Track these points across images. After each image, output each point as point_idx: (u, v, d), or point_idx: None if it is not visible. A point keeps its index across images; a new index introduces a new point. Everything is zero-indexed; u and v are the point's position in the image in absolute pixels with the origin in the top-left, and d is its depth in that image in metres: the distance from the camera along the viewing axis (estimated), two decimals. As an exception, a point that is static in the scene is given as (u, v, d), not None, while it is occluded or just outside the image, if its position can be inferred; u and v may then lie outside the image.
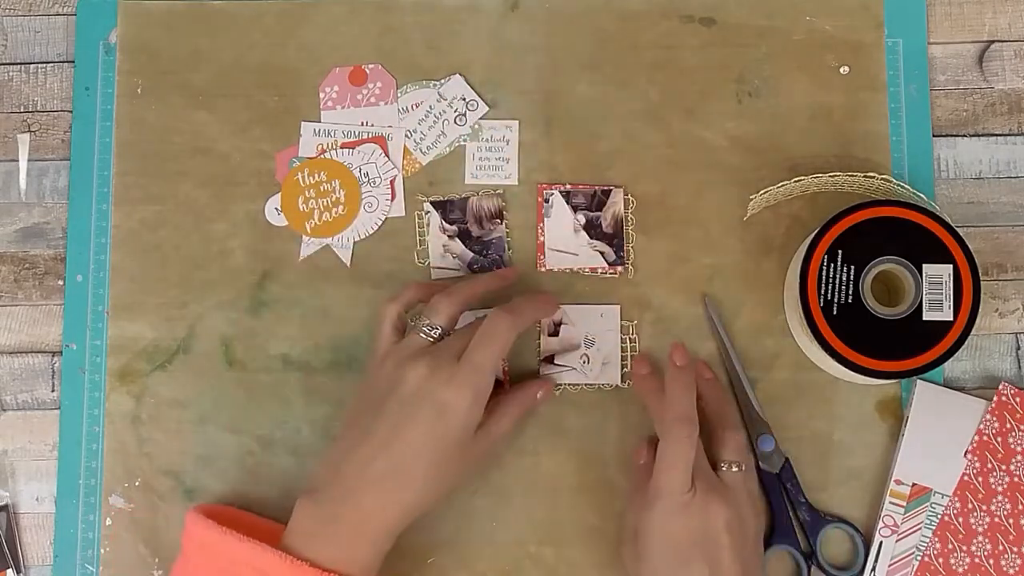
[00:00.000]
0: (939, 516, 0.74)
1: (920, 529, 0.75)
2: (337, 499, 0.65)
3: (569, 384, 0.77)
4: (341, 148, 0.81)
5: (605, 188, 0.79)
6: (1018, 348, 0.79)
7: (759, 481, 0.76)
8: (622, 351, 0.77)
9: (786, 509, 0.76)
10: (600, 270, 0.79)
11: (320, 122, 0.81)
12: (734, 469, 0.71)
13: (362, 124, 0.81)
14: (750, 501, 0.71)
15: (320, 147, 0.81)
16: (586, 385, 0.77)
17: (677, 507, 0.67)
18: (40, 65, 0.83)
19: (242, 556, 0.63)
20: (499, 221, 0.79)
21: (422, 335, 0.69)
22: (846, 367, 0.72)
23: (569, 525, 0.77)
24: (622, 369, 0.77)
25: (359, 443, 0.66)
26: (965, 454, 0.75)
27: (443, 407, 0.66)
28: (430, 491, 0.67)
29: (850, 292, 0.73)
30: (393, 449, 0.66)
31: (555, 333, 0.76)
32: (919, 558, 0.74)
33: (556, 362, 0.77)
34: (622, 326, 0.78)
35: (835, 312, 0.73)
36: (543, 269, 0.79)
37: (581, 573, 0.76)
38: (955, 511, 0.74)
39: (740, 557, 0.67)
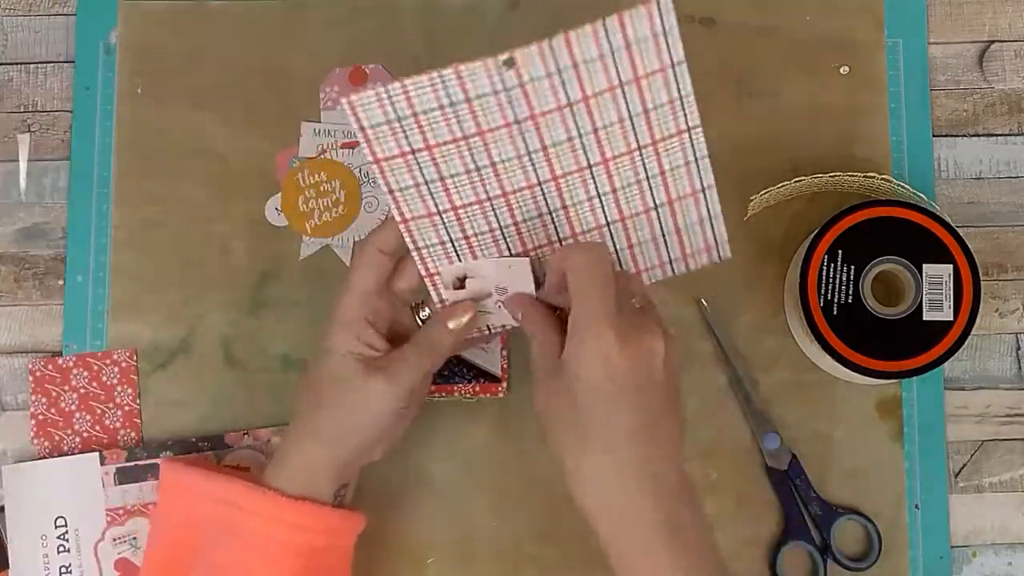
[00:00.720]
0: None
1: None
2: (290, 439, 0.67)
3: (491, 327, 0.69)
4: (341, 148, 0.81)
5: (605, 188, 0.79)
6: (1018, 348, 0.79)
7: (769, 480, 0.77)
8: None
9: (797, 506, 0.76)
10: (600, 270, 0.78)
11: (320, 122, 0.81)
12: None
13: (362, 124, 0.81)
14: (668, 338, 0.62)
15: (320, 147, 0.81)
16: (509, 327, 0.69)
17: (610, 336, 0.58)
18: (40, 65, 0.83)
19: (215, 492, 0.65)
20: (499, 221, 0.79)
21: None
22: (846, 367, 0.72)
23: (569, 525, 0.77)
24: None
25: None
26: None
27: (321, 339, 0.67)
28: (351, 421, 0.66)
29: (850, 292, 0.73)
30: (305, 385, 0.68)
31: (461, 286, 0.67)
32: None
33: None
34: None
35: (835, 312, 0.73)
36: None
37: (581, 573, 0.76)
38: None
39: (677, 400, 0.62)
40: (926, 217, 0.73)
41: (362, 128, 0.61)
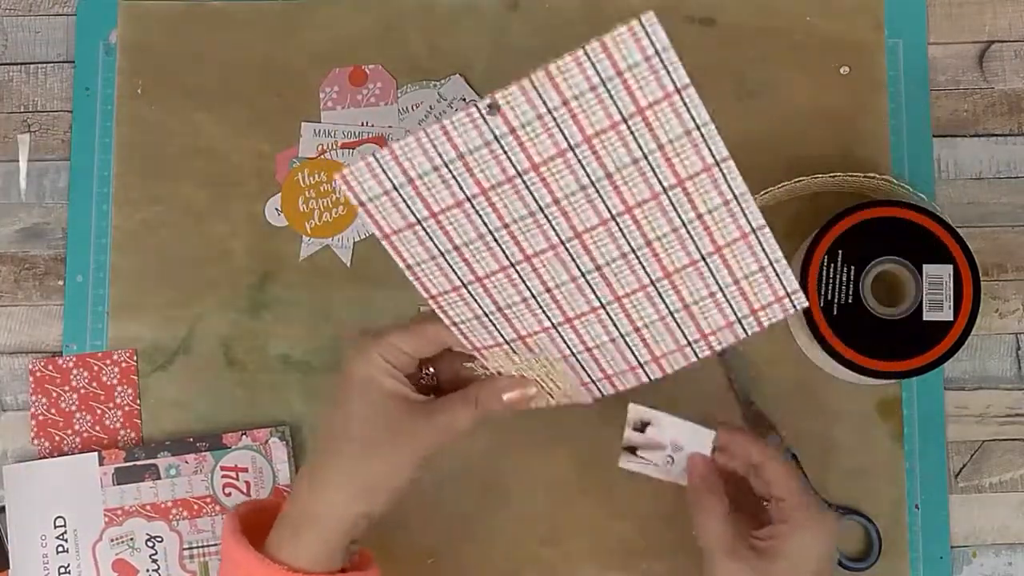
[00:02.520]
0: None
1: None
2: (296, 501, 0.65)
3: (646, 476, 0.68)
4: (341, 148, 0.81)
5: (605, 188, 0.79)
6: (1018, 348, 0.79)
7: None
8: None
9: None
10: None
11: (320, 122, 0.81)
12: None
13: (362, 124, 0.81)
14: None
15: (320, 147, 0.81)
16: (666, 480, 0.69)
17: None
18: (40, 65, 0.83)
19: (242, 562, 0.64)
20: (499, 221, 0.79)
21: None
22: (846, 367, 0.72)
23: (569, 525, 0.77)
24: None
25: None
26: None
27: (344, 366, 0.64)
28: (350, 470, 0.63)
29: (850, 292, 0.73)
30: (318, 445, 0.66)
31: (641, 429, 0.67)
32: None
33: (639, 454, 0.67)
34: None
35: (835, 312, 0.73)
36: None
37: (581, 573, 0.76)
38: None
39: None
40: (926, 217, 0.73)
41: (361, 203, 0.58)
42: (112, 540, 0.76)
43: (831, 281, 0.73)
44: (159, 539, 0.76)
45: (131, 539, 0.76)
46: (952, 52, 0.82)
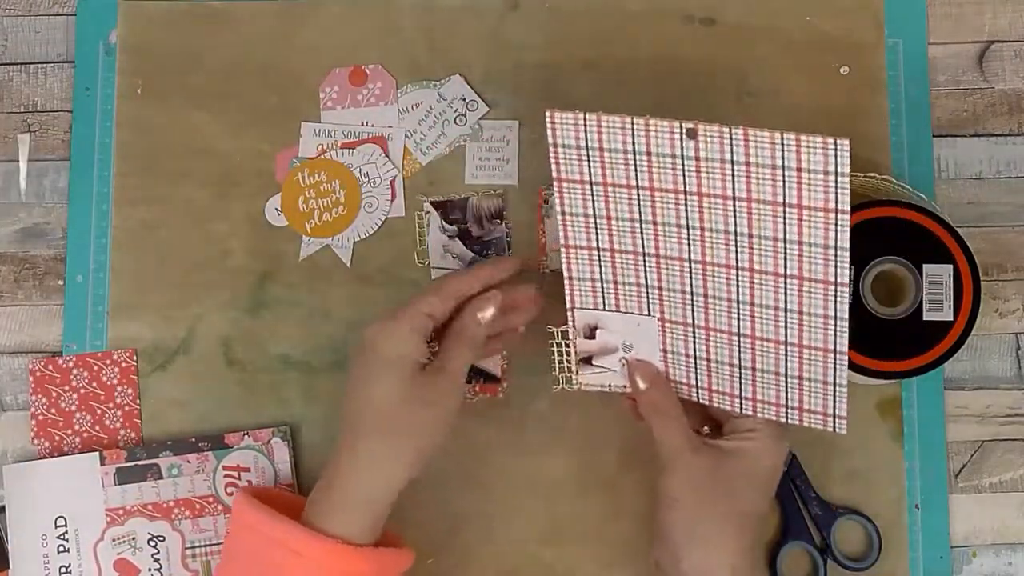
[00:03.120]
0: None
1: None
2: (329, 474, 0.68)
3: (612, 386, 0.72)
4: (341, 148, 0.81)
5: (605, 188, 0.79)
6: (1018, 348, 0.79)
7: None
8: None
9: (797, 506, 0.76)
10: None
11: (320, 122, 0.81)
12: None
13: (362, 124, 0.81)
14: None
15: (320, 147, 0.81)
16: (622, 388, 0.73)
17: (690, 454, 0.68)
18: (40, 65, 0.83)
19: (275, 534, 0.66)
20: (499, 221, 0.79)
21: None
22: (846, 367, 0.72)
23: (569, 525, 0.77)
24: None
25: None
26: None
27: (369, 348, 0.67)
28: (399, 445, 0.67)
29: (850, 292, 0.73)
30: (347, 411, 0.68)
31: (591, 336, 0.71)
32: None
33: (594, 363, 0.72)
34: None
35: (835, 312, 0.73)
36: (545, 270, 0.79)
37: (581, 573, 0.76)
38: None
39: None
40: (926, 217, 0.73)
41: (554, 145, 0.65)
42: (114, 540, 0.76)
43: (831, 281, 0.73)
44: (161, 538, 0.76)
45: (133, 539, 0.76)
46: (952, 52, 0.82)
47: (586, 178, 0.66)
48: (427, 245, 0.80)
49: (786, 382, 0.67)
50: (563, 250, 0.69)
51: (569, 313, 0.71)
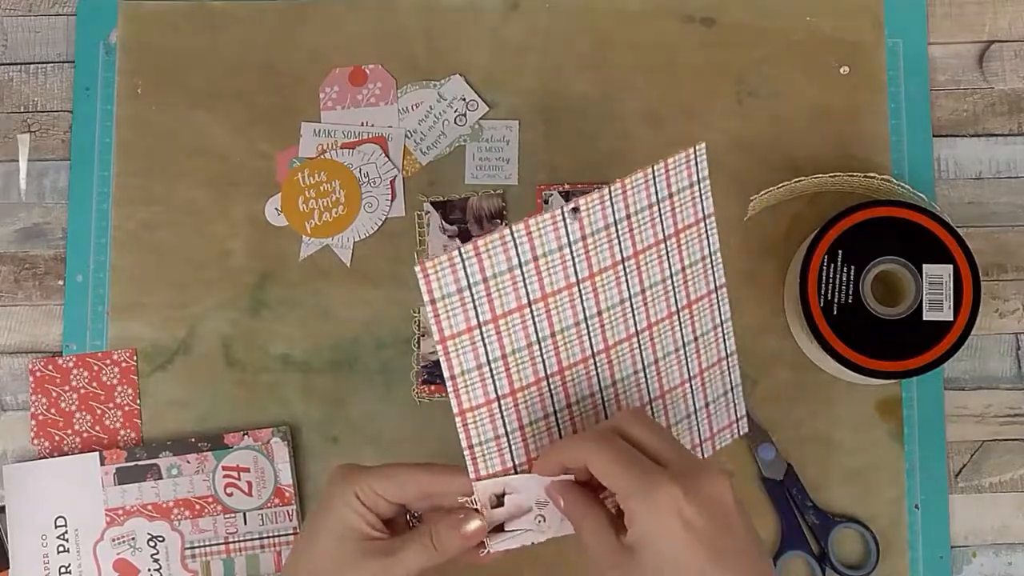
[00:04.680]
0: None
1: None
2: None
3: (534, 543, 0.63)
4: (341, 148, 0.81)
5: (605, 188, 0.79)
6: (1018, 348, 0.79)
7: (765, 491, 0.76)
8: None
9: (794, 516, 0.76)
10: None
11: (320, 122, 0.81)
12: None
13: (362, 124, 0.81)
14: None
15: (320, 147, 0.81)
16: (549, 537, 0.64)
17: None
18: (40, 65, 0.83)
19: None
20: (499, 221, 0.80)
21: None
22: (846, 367, 0.72)
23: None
24: None
25: None
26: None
27: (326, 495, 0.62)
28: None
29: (850, 292, 0.73)
30: (287, 570, 0.64)
31: (499, 504, 0.61)
32: None
33: (507, 528, 0.62)
34: None
35: (835, 312, 0.73)
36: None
37: (581, 573, 0.76)
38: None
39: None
40: (926, 217, 0.73)
41: (433, 301, 0.58)
42: (113, 540, 0.76)
43: (831, 281, 0.73)
44: (161, 539, 0.76)
45: (132, 539, 0.76)
46: (952, 52, 0.82)
47: (473, 323, 0.58)
48: (427, 245, 0.80)
49: (696, 420, 0.66)
50: (457, 419, 0.60)
51: (475, 485, 0.61)
